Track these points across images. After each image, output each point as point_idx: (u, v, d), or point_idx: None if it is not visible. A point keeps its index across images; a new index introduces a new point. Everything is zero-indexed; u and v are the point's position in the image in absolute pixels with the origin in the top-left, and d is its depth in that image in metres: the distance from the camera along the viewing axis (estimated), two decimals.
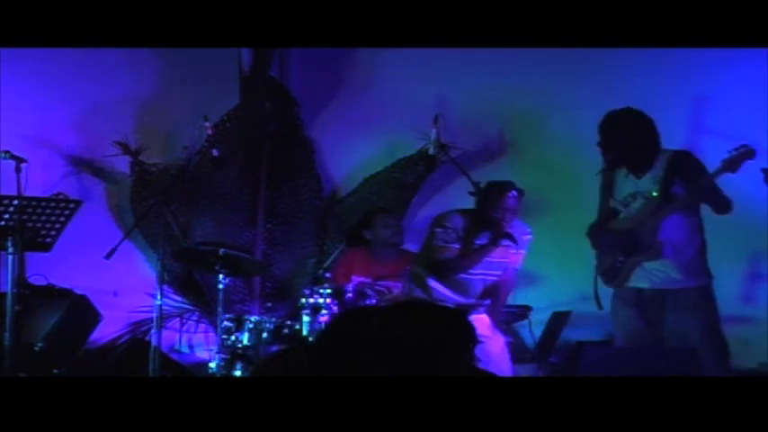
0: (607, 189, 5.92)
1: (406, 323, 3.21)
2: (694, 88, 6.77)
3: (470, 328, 3.35)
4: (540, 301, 6.39)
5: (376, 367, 3.15)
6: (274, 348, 6.00)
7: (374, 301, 6.10)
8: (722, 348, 5.84)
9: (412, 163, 7.32)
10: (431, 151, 6.47)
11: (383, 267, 6.64)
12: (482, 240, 5.78)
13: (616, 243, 5.82)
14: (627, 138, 5.79)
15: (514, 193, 5.83)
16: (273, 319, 6.39)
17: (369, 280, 6.50)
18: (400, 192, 7.40)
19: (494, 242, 5.78)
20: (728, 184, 6.25)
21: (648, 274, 5.75)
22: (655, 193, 5.74)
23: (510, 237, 5.74)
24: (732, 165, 5.59)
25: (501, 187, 5.83)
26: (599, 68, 6.89)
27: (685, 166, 5.76)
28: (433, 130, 6.30)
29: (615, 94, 6.77)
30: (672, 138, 6.29)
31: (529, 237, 5.90)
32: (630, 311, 5.86)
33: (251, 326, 6.20)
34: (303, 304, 6.08)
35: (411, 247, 7.00)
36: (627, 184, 5.86)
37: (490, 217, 5.76)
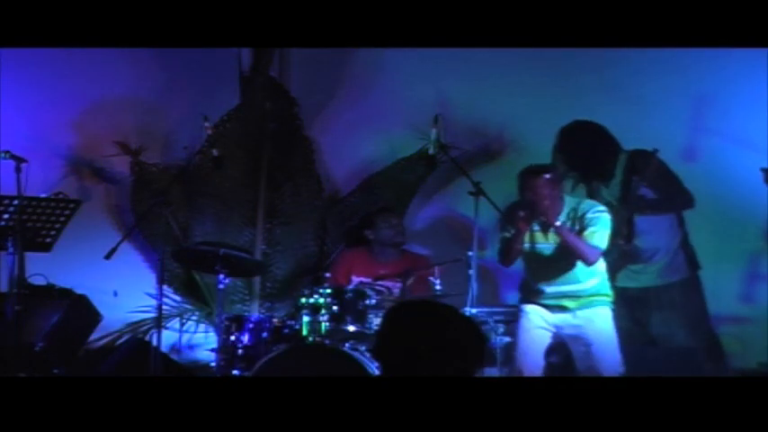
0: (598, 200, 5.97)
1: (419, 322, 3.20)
2: (694, 88, 6.77)
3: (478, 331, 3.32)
4: None
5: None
6: (274, 348, 6.00)
7: (374, 301, 6.10)
8: (713, 344, 5.86)
9: (412, 163, 7.31)
10: (431, 151, 6.47)
11: (383, 267, 6.65)
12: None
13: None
14: (584, 151, 5.83)
15: (547, 175, 5.63)
16: (273, 319, 6.39)
17: (369, 280, 6.50)
18: (400, 192, 7.39)
19: (525, 224, 5.66)
20: (729, 183, 6.27)
21: (634, 274, 5.80)
22: (614, 200, 5.78)
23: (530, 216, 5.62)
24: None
25: (534, 170, 5.67)
26: (599, 68, 6.88)
27: (639, 165, 5.80)
28: (433, 130, 6.30)
29: (615, 93, 6.79)
30: (672, 138, 6.31)
31: (599, 214, 5.61)
32: (620, 311, 5.89)
33: (251, 326, 6.20)
34: (303, 304, 6.07)
35: (411, 247, 7.01)
36: (602, 194, 5.91)
37: (526, 201, 5.64)
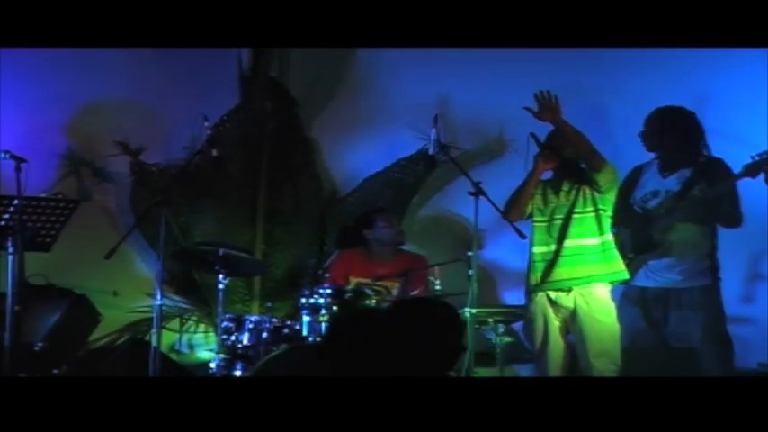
0: (629, 186, 5.92)
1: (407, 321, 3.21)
2: (694, 88, 6.76)
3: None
4: None
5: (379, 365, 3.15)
6: (274, 348, 5.99)
7: (373, 301, 6.10)
8: (725, 347, 5.85)
9: (412, 163, 7.32)
10: (431, 151, 6.46)
11: (382, 267, 6.65)
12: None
13: (626, 239, 5.85)
14: (674, 138, 5.80)
15: None
16: (273, 319, 6.39)
17: (368, 281, 6.51)
18: (400, 192, 7.40)
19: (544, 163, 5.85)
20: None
21: (653, 273, 5.78)
22: (664, 191, 5.76)
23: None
24: (752, 170, 5.61)
25: None
26: (599, 68, 6.88)
27: (713, 172, 5.75)
28: (433, 130, 6.29)
29: (615, 93, 6.78)
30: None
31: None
32: (634, 311, 5.88)
33: (251, 326, 6.20)
34: (303, 304, 6.08)
35: (410, 247, 7.01)
36: (651, 182, 5.87)
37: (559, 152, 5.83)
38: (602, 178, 5.72)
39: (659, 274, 5.81)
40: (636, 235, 5.86)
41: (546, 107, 5.69)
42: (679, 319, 5.80)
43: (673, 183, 5.86)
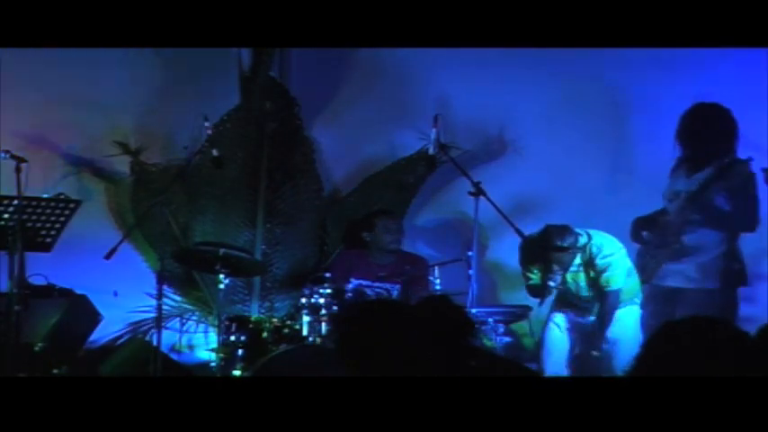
0: (670, 183, 5.93)
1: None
2: (693, 88, 6.76)
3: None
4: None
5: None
6: (274, 348, 6.00)
7: None
8: None
9: (412, 163, 7.31)
10: (431, 151, 6.47)
11: (382, 269, 6.65)
12: None
13: (649, 237, 5.86)
14: (703, 134, 5.76)
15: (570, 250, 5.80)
16: (273, 319, 6.39)
17: (368, 281, 6.51)
18: (400, 192, 7.39)
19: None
20: None
21: (671, 274, 5.79)
22: (684, 191, 5.74)
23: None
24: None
25: (558, 247, 5.79)
26: (599, 68, 6.88)
27: (731, 173, 5.69)
28: (433, 130, 6.30)
29: (615, 93, 6.79)
30: (671, 137, 6.30)
31: (609, 259, 5.81)
32: (650, 309, 5.90)
33: (251, 326, 6.20)
34: (303, 304, 6.08)
35: (411, 247, 7.01)
36: (679, 181, 5.86)
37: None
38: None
39: (672, 276, 5.83)
40: (654, 234, 5.87)
41: None
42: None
43: (694, 183, 5.81)
